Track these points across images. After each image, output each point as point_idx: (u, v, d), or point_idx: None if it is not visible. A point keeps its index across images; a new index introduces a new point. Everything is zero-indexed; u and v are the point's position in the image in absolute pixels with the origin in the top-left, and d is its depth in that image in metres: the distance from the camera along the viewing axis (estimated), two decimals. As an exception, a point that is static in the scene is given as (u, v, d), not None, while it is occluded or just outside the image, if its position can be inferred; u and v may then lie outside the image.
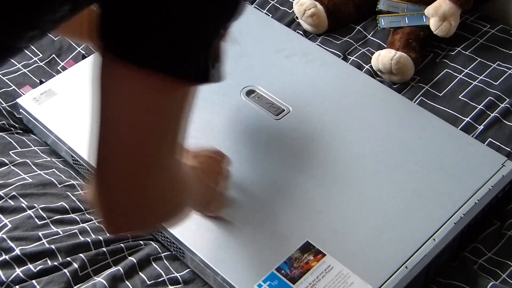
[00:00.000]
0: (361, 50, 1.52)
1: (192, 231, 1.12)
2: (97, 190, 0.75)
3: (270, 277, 1.06)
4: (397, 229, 1.12)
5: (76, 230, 1.17)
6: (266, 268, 1.07)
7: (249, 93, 1.33)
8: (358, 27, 1.58)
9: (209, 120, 1.28)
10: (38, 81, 1.43)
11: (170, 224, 1.00)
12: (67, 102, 1.33)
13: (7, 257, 1.12)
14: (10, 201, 1.21)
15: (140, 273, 1.13)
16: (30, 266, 1.11)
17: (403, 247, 1.10)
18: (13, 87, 1.45)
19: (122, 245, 1.16)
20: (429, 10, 1.49)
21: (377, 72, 1.46)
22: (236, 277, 1.06)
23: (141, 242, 1.17)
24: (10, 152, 1.31)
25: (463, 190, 1.17)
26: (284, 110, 1.30)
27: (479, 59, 1.49)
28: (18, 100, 1.35)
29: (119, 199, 0.75)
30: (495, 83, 1.44)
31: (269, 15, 1.61)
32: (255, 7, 1.63)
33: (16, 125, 1.39)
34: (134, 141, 0.72)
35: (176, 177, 0.82)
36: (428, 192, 1.17)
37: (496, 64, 1.48)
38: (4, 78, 1.47)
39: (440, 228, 1.12)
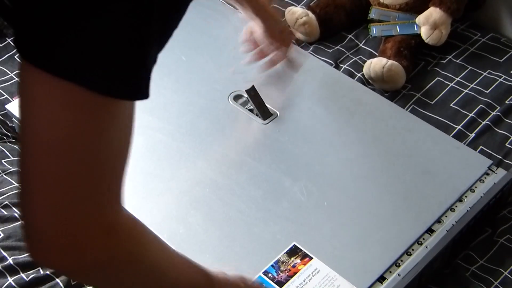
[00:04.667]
0: (353, 58, 1.53)
1: (180, 235, 1.12)
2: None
3: (258, 280, 1.06)
4: (383, 232, 1.12)
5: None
6: (253, 271, 1.07)
7: (237, 98, 1.34)
8: (350, 36, 1.59)
9: (197, 124, 1.28)
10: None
11: None
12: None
13: (-1, 266, 1.12)
14: (2, 210, 1.21)
15: (132, 281, 1.13)
16: (23, 275, 1.11)
17: (389, 250, 1.10)
18: (6, 96, 1.45)
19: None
20: (420, 18, 1.50)
21: (369, 80, 1.47)
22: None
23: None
24: (3, 160, 1.31)
25: (448, 192, 1.18)
26: (272, 114, 1.31)
27: (470, 67, 1.50)
28: (7, 106, 1.35)
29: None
30: (486, 91, 1.44)
31: (261, 24, 1.61)
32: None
33: (9, 134, 1.39)
34: (56, 167, 0.63)
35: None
36: (414, 195, 1.18)
37: (487, 72, 1.48)
38: (-4, 87, 1.48)
39: (426, 230, 1.13)
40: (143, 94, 0.63)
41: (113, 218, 0.69)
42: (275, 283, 1.06)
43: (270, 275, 1.07)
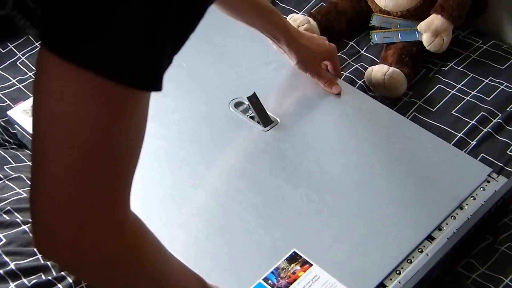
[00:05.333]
0: (354, 65, 1.53)
1: (180, 241, 1.12)
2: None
3: (257, 287, 1.06)
4: (383, 239, 1.12)
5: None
6: (253, 278, 1.07)
7: (237, 105, 1.34)
8: (351, 43, 1.59)
9: (198, 131, 1.29)
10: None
11: None
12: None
13: (1, 271, 1.11)
14: (4, 215, 1.21)
15: None
16: (24, 280, 1.11)
17: (389, 257, 1.10)
18: (8, 102, 1.46)
19: (116, 259, 1.15)
20: (421, 26, 1.50)
21: (370, 87, 1.47)
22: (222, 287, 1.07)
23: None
24: (5, 167, 1.31)
25: (448, 200, 1.18)
26: (273, 121, 1.31)
27: (472, 74, 1.50)
28: (9, 112, 1.36)
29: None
30: (487, 99, 1.44)
31: (262, 32, 1.62)
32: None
33: (11, 140, 1.39)
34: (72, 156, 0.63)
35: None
36: (414, 202, 1.18)
37: (488, 79, 1.48)
38: (-2, 93, 1.48)
39: (426, 238, 1.13)
40: (158, 86, 0.64)
41: (123, 216, 0.70)
42: (275, 289, 1.06)
43: (270, 281, 1.07)
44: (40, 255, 0.68)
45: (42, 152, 0.64)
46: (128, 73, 0.61)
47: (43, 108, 0.63)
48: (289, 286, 1.06)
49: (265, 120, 1.30)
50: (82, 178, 0.64)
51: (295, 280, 1.07)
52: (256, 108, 1.31)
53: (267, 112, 1.31)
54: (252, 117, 1.31)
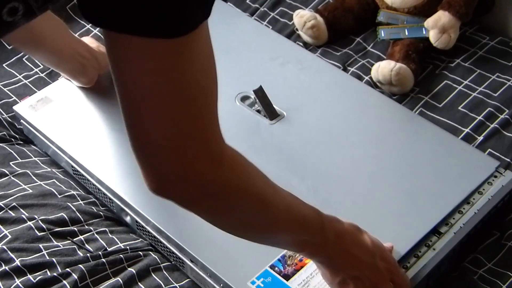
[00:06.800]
0: (361, 61, 1.53)
1: (187, 231, 1.13)
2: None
3: (264, 274, 1.06)
4: (389, 233, 1.12)
5: (76, 242, 1.17)
6: (260, 265, 1.08)
7: (244, 98, 1.34)
8: (358, 39, 1.59)
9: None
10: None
11: None
12: (62, 109, 1.35)
13: (7, 268, 1.12)
14: (10, 212, 1.21)
15: (139, 283, 1.12)
16: (30, 277, 1.11)
17: (396, 251, 1.10)
18: (14, 98, 1.46)
19: (121, 256, 1.15)
20: (428, 22, 1.49)
21: (377, 83, 1.46)
22: (229, 274, 1.07)
23: (141, 253, 1.17)
24: (11, 162, 1.31)
25: (456, 193, 1.18)
26: (279, 115, 1.31)
27: (479, 70, 1.49)
28: (15, 107, 1.36)
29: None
30: (494, 94, 1.44)
31: (269, 27, 1.62)
32: (256, 19, 1.64)
33: (17, 136, 1.39)
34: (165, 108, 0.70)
35: None
36: (420, 195, 1.18)
37: (495, 75, 1.48)
38: (4, 89, 1.48)
39: (433, 231, 1.13)
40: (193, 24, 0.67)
41: (219, 148, 0.77)
42: (281, 276, 1.06)
43: (276, 269, 1.07)
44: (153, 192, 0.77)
45: (138, 102, 0.70)
46: (171, 27, 0.65)
47: (121, 73, 0.69)
48: (295, 273, 1.06)
49: (271, 113, 1.30)
50: (174, 118, 0.70)
51: (301, 267, 1.07)
52: (262, 102, 1.31)
53: (274, 105, 1.31)
54: (258, 111, 1.32)
